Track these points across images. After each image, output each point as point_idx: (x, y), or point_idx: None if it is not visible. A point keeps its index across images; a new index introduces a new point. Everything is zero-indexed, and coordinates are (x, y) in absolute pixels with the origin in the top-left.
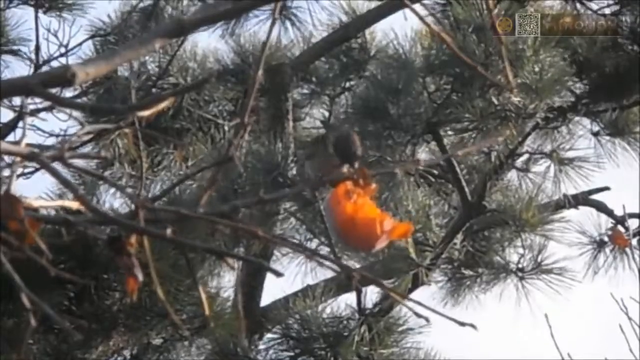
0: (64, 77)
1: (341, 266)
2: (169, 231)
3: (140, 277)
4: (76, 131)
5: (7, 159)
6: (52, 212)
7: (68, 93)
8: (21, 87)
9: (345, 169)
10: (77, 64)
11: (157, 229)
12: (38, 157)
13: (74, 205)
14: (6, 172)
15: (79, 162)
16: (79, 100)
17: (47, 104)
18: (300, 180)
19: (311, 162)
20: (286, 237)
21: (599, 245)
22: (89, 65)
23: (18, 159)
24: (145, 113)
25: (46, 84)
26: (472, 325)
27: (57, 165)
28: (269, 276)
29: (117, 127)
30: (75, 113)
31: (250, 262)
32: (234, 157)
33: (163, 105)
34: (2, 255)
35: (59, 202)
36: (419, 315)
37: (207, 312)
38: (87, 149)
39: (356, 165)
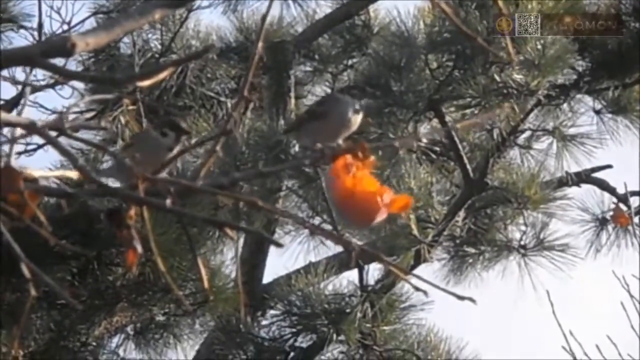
0: (64, 47)
1: (340, 240)
2: (168, 202)
3: (140, 249)
4: (76, 101)
5: (7, 131)
6: (53, 184)
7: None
8: (22, 57)
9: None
10: (77, 34)
11: (157, 200)
12: (37, 128)
13: (74, 175)
14: (6, 146)
15: (81, 136)
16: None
17: (49, 80)
18: (300, 153)
19: (319, 124)
20: (286, 209)
21: (602, 223)
22: (89, 36)
23: (18, 130)
24: (145, 83)
25: (46, 54)
26: (471, 299)
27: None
28: (271, 253)
29: (118, 98)
30: (79, 88)
31: (250, 232)
32: (233, 130)
33: (163, 75)
34: (2, 225)
35: (59, 172)
36: (417, 289)
37: (206, 286)
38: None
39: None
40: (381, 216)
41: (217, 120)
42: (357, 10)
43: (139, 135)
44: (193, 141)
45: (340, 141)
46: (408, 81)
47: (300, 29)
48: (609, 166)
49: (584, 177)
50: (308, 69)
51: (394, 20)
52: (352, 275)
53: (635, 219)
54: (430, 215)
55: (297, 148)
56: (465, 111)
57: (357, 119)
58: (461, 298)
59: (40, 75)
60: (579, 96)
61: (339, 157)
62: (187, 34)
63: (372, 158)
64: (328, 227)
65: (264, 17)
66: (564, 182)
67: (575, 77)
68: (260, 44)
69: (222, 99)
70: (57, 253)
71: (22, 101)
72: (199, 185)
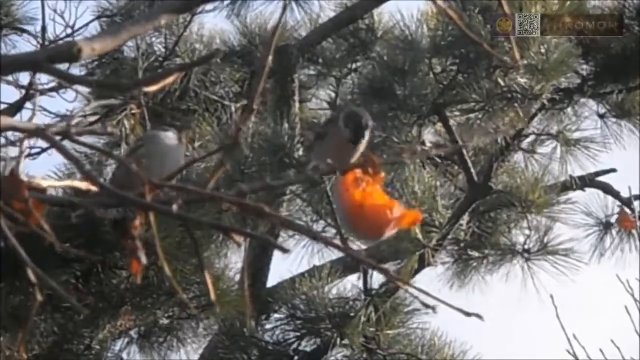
0: (70, 52)
1: (346, 250)
2: (175, 207)
3: (144, 260)
4: (82, 106)
5: (12, 136)
6: (61, 192)
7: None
8: (28, 62)
9: (353, 145)
10: (83, 39)
11: (164, 206)
12: (43, 133)
13: (82, 185)
14: (13, 152)
15: (85, 140)
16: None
17: (54, 83)
18: (306, 164)
19: (319, 146)
20: (292, 218)
21: (605, 226)
22: (95, 41)
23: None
24: (152, 88)
25: (52, 59)
26: (478, 316)
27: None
28: (276, 257)
29: (123, 103)
30: (83, 92)
31: (256, 238)
32: (240, 142)
33: (169, 80)
34: (7, 229)
35: (68, 182)
36: (426, 306)
37: (211, 294)
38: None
39: (365, 137)
40: (391, 230)
41: (220, 124)
42: (361, 14)
43: (146, 134)
44: (197, 145)
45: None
46: (412, 85)
47: (304, 33)
48: (613, 170)
49: (587, 181)
50: (312, 72)
51: (398, 24)
52: (356, 279)
53: (639, 223)
54: (434, 219)
55: (300, 152)
56: (469, 115)
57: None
58: (468, 314)
59: (44, 78)
60: (582, 100)
61: (349, 171)
62: (191, 38)
63: (382, 173)
64: (332, 230)
65: (274, 29)
66: (567, 186)
67: (579, 81)
68: (269, 57)
69: (226, 102)
70: (61, 256)
71: (29, 105)
72: (206, 191)
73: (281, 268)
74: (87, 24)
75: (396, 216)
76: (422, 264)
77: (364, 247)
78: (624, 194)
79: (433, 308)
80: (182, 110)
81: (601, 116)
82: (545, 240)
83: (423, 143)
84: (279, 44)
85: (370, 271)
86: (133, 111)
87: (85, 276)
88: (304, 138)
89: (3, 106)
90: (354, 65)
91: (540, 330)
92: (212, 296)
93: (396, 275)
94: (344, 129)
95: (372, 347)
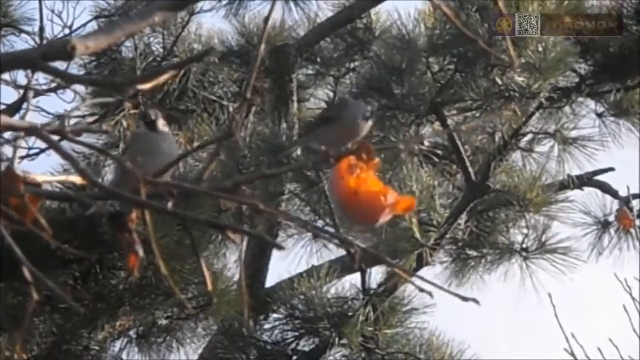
0: (64, 50)
1: (342, 240)
2: (170, 204)
3: (141, 253)
4: (77, 105)
5: (8, 135)
6: (56, 188)
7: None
8: (22, 60)
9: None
10: (77, 37)
11: (159, 203)
12: (39, 131)
13: (78, 180)
14: (8, 149)
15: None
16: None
17: (51, 84)
18: (304, 155)
19: (326, 129)
20: (287, 211)
21: (604, 225)
22: (89, 39)
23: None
24: (146, 86)
25: (47, 57)
26: (475, 300)
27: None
28: (274, 257)
29: (119, 101)
30: (80, 91)
31: (252, 235)
32: (235, 133)
33: (164, 78)
34: (3, 228)
35: (62, 177)
36: (422, 290)
37: (209, 287)
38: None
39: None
40: (385, 217)
41: (219, 124)
42: (359, 13)
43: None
44: (195, 144)
45: (348, 145)
46: (409, 84)
47: (302, 33)
48: (611, 169)
49: (585, 180)
50: (310, 72)
51: (395, 24)
52: (355, 278)
53: (637, 222)
54: (432, 218)
55: (299, 151)
56: (467, 114)
57: (366, 125)
58: (465, 299)
59: (42, 79)
60: (580, 99)
61: (343, 158)
62: (189, 38)
63: (376, 159)
64: (330, 230)
65: (266, 20)
66: (565, 184)
67: (577, 79)
68: (262, 46)
69: (224, 102)
70: (59, 257)
71: (24, 105)
72: (202, 187)
73: (280, 268)
74: (84, 24)
75: (390, 202)
76: (420, 263)
77: (362, 245)
78: (622, 192)
79: (429, 293)
80: (181, 110)
81: (599, 115)
82: (544, 239)
83: (420, 138)
84: (276, 43)
85: (368, 270)
86: (131, 111)
87: (83, 277)
88: (303, 124)
89: (1, 107)
90: (352, 65)
91: (539, 328)
92: (209, 287)
93: (395, 264)
94: (357, 103)
95: (371, 346)
